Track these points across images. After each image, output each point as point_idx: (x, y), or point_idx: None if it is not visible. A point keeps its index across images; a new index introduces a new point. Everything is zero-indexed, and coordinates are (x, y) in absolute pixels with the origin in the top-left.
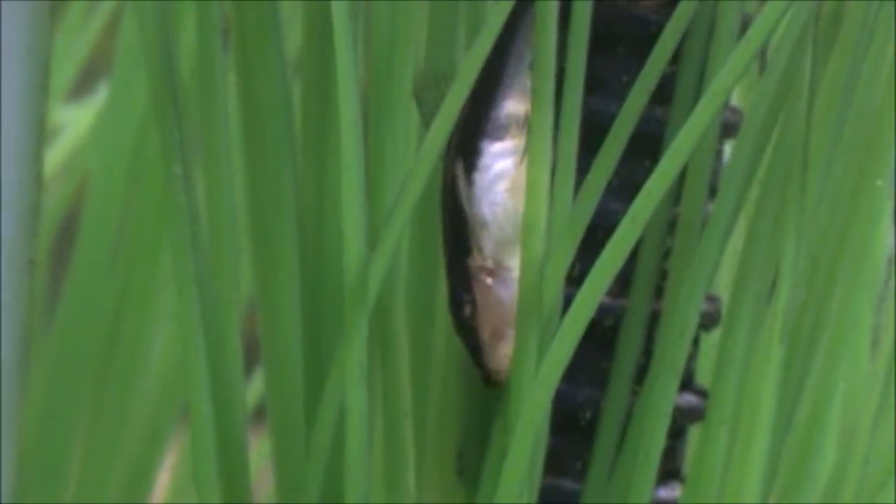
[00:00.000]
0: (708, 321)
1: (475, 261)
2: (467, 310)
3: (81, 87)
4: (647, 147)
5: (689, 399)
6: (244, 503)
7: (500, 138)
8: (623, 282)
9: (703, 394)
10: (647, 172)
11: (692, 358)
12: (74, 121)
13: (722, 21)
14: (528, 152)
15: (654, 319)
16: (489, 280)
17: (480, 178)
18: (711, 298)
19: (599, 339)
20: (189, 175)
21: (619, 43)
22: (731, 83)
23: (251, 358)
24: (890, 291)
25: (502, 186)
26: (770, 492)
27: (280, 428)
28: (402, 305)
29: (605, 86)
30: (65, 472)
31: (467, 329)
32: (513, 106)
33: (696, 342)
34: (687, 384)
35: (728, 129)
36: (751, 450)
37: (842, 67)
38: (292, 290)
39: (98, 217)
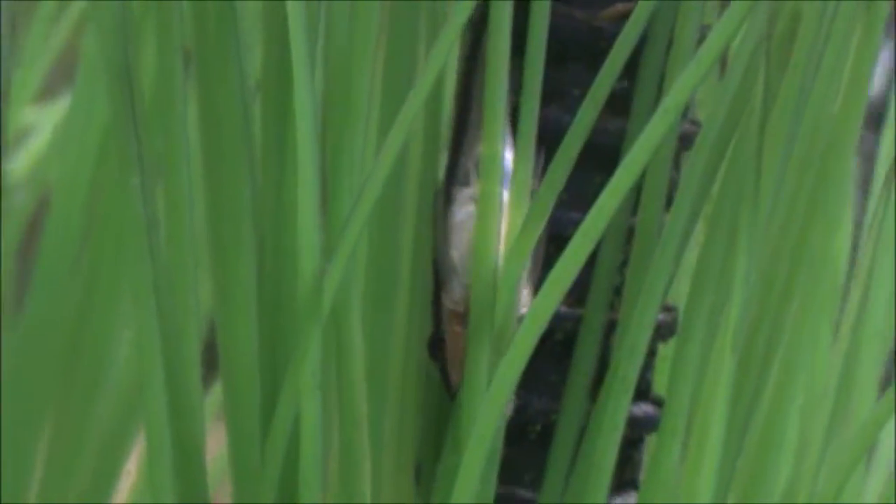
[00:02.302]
0: (666, 331)
1: (446, 305)
2: (439, 349)
3: (53, 87)
4: (604, 159)
5: (646, 409)
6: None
7: (466, 184)
8: (580, 291)
9: (660, 404)
10: (602, 186)
11: (649, 368)
12: (46, 121)
13: (680, 34)
14: (481, 164)
15: (611, 329)
16: (458, 328)
17: (451, 224)
18: (669, 309)
19: (550, 351)
20: (147, 186)
21: (576, 56)
22: (683, 100)
23: (211, 366)
24: (849, 305)
25: (468, 232)
26: (724, 502)
27: (237, 436)
28: (358, 315)
29: (562, 98)
30: (26, 477)
31: (439, 364)
32: (479, 151)
33: (653, 352)
34: (644, 394)
35: (688, 140)
36: (702, 460)
37: (794, 83)
38: (249, 300)
39: (62, 222)
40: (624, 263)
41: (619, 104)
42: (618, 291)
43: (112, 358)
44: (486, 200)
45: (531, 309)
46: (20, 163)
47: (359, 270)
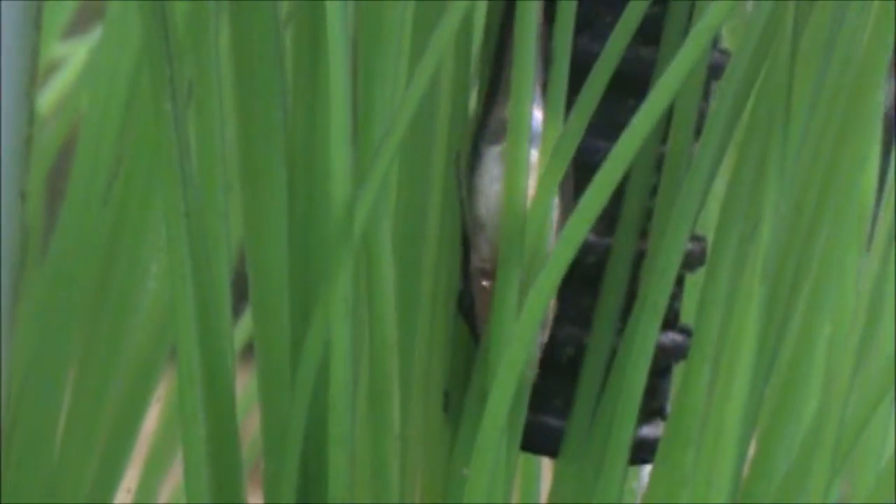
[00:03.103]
0: (694, 261)
1: (474, 262)
2: (467, 305)
3: (82, 22)
4: (634, 87)
5: (674, 338)
6: (230, 439)
7: (497, 141)
8: (609, 220)
9: (687, 333)
10: (634, 112)
11: (677, 297)
12: (73, 56)
13: None
14: (511, 95)
15: (640, 259)
16: (485, 282)
17: (479, 181)
18: (697, 238)
19: (581, 276)
20: (179, 112)
21: None
22: (715, 24)
23: (241, 294)
24: (877, 235)
25: (497, 189)
26: (752, 431)
27: (266, 363)
28: (388, 242)
29: (593, 26)
30: (56, 403)
31: (467, 320)
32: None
33: (680, 282)
34: (672, 323)
35: (717, 70)
36: (732, 389)
37: (825, 13)
38: (280, 227)
39: (92, 152)
40: (654, 193)
41: (651, 33)
42: (648, 221)
43: (142, 287)
44: (514, 158)
45: (562, 235)
46: (49, 96)
47: (390, 198)
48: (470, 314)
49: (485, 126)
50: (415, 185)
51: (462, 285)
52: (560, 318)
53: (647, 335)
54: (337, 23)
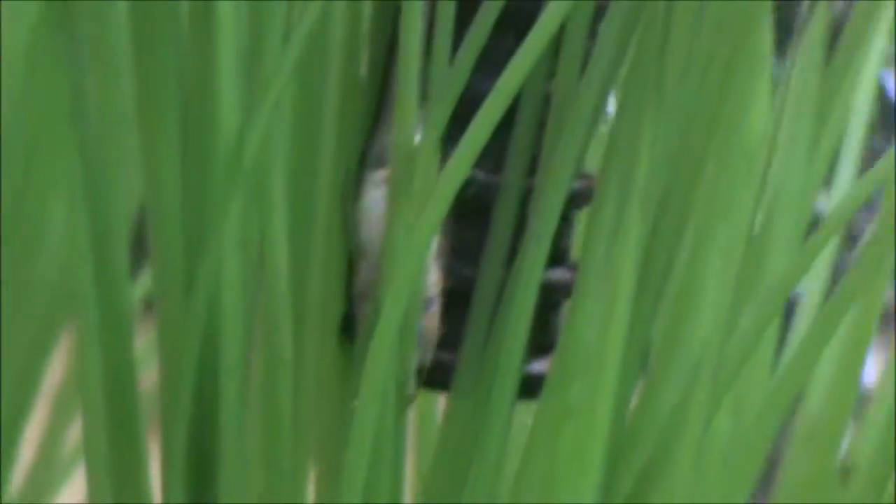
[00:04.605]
0: (583, 199)
1: (356, 287)
2: (348, 327)
3: None
4: (522, 26)
5: (563, 274)
6: (128, 379)
7: (378, 166)
8: (498, 158)
9: (576, 269)
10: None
11: (566, 234)
12: None
13: None
14: (400, 31)
15: (528, 195)
16: (366, 309)
17: (361, 207)
18: (586, 176)
19: (467, 211)
20: (75, 48)
21: None
22: None
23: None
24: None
25: (377, 215)
26: (638, 366)
27: (163, 299)
28: (281, 171)
29: None
30: None
31: (350, 341)
32: (391, 137)
33: (570, 219)
34: (562, 260)
35: (603, 9)
36: (612, 322)
37: None
38: (174, 160)
39: None
40: (542, 130)
41: None
42: (536, 158)
43: (47, 233)
44: (407, 34)
45: (446, 168)
46: None
47: (283, 129)
48: (352, 335)
49: (367, 154)
50: (309, 118)
51: (345, 309)
52: (448, 253)
53: (533, 271)
54: None
